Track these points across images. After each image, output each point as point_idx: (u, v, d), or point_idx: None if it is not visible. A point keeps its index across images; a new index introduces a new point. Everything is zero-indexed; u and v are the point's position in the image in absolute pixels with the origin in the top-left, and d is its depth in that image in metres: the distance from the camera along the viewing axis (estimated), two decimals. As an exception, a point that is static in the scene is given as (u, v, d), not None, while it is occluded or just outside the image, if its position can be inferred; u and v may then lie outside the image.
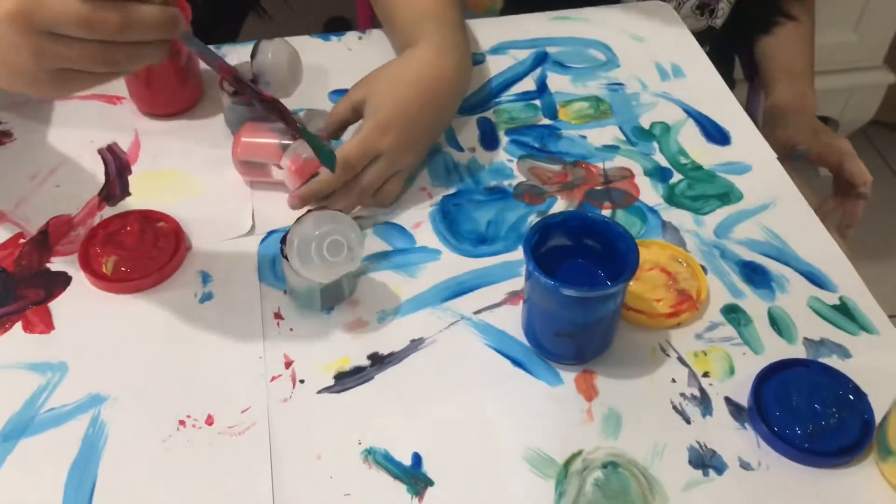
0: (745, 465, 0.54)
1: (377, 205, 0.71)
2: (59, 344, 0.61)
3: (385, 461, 0.54)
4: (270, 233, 0.69)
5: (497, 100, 0.83)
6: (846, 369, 0.58)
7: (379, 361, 0.60)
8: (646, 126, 0.80)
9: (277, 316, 0.63)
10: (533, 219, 0.71)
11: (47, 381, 0.58)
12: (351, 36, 0.90)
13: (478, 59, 0.87)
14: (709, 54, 0.89)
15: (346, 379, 0.59)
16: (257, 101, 0.61)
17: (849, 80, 1.73)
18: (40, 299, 0.64)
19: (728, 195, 0.73)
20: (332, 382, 0.59)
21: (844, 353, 0.61)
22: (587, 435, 0.56)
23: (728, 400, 0.58)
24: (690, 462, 0.54)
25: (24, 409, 0.57)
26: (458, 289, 0.65)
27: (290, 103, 0.79)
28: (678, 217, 0.71)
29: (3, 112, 0.80)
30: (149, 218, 0.68)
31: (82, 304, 0.63)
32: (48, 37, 0.47)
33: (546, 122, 0.80)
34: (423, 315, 0.63)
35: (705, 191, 0.73)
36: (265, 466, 0.54)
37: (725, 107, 0.83)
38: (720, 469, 0.54)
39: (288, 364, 0.60)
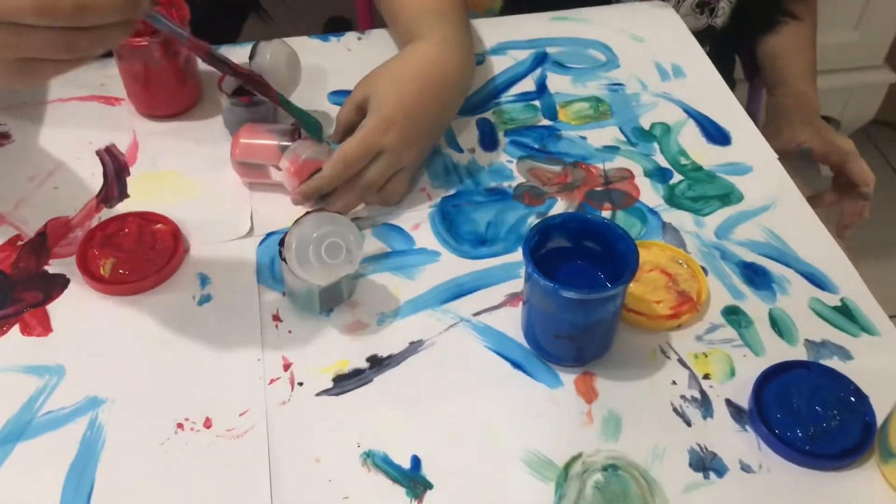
0: (745, 468, 0.54)
1: (383, 203, 0.71)
2: (57, 346, 0.61)
3: (384, 464, 0.54)
4: (269, 234, 0.69)
5: (496, 100, 0.83)
6: (847, 371, 0.58)
7: (378, 364, 0.60)
8: (646, 126, 0.80)
9: (276, 318, 0.63)
10: (532, 220, 0.70)
11: (45, 383, 0.58)
12: (350, 36, 0.90)
13: (477, 60, 0.86)
14: (709, 54, 0.89)
15: (345, 381, 0.59)
16: (234, 76, 0.60)
17: (850, 79, 1.73)
18: (38, 302, 0.63)
19: (728, 196, 0.73)
20: (330, 385, 0.59)
21: (846, 354, 0.60)
22: (587, 437, 0.55)
23: (729, 402, 0.58)
24: (691, 464, 0.54)
25: (21, 412, 0.57)
26: (458, 290, 0.65)
27: (288, 104, 0.79)
28: (678, 218, 0.71)
29: (1, 114, 0.80)
30: (147, 220, 0.68)
31: (80, 306, 0.63)
32: (5, 27, 0.46)
33: (546, 122, 0.80)
34: (423, 317, 0.63)
35: (706, 191, 0.73)
36: (263, 469, 0.54)
37: (726, 107, 0.82)
38: (721, 471, 0.54)
39: (286, 366, 0.60)
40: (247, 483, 0.53)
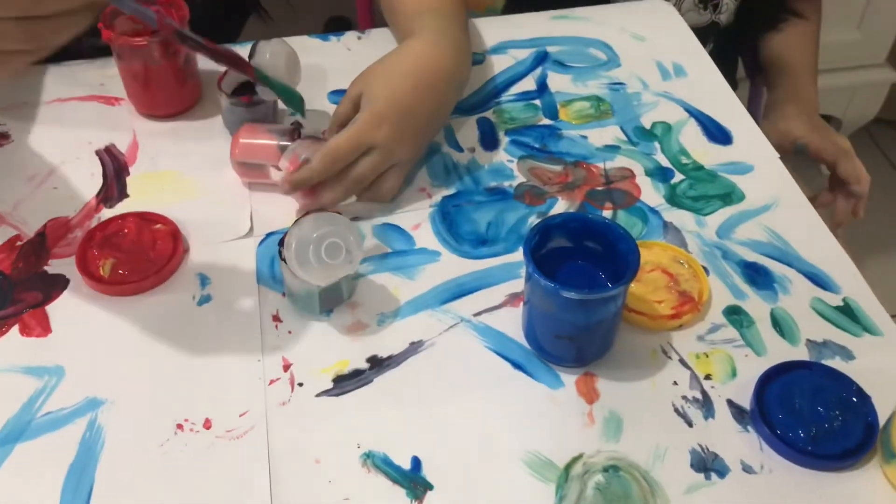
0: (747, 469, 0.54)
1: (376, 200, 0.71)
2: (57, 347, 0.60)
3: (384, 465, 0.54)
4: (269, 235, 0.69)
5: (497, 100, 0.82)
6: (849, 371, 0.57)
7: (378, 364, 0.60)
8: (647, 126, 0.79)
9: (276, 318, 0.62)
10: (533, 220, 0.70)
11: (44, 384, 0.58)
12: (350, 36, 0.89)
13: (477, 59, 0.86)
14: (713, 51, 0.88)
15: (345, 382, 0.59)
16: (204, 53, 0.59)
17: (852, 78, 1.73)
18: (37, 302, 0.63)
19: (730, 195, 0.72)
20: (330, 385, 0.58)
21: (848, 354, 0.60)
22: (588, 438, 0.55)
23: (730, 402, 0.57)
24: (692, 465, 0.54)
25: (20, 412, 0.57)
26: (458, 291, 0.64)
27: (288, 104, 0.79)
28: (680, 218, 0.70)
29: (0, 113, 0.79)
30: (147, 220, 0.68)
31: (80, 307, 0.63)
32: None
33: (546, 122, 0.80)
34: (423, 317, 0.63)
35: (707, 191, 0.73)
36: (263, 470, 0.54)
37: (727, 106, 0.82)
38: (722, 472, 0.54)
39: (286, 367, 0.59)
40: (247, 484, 0.53)
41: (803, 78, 1.01)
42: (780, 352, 0.60)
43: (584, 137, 0.78)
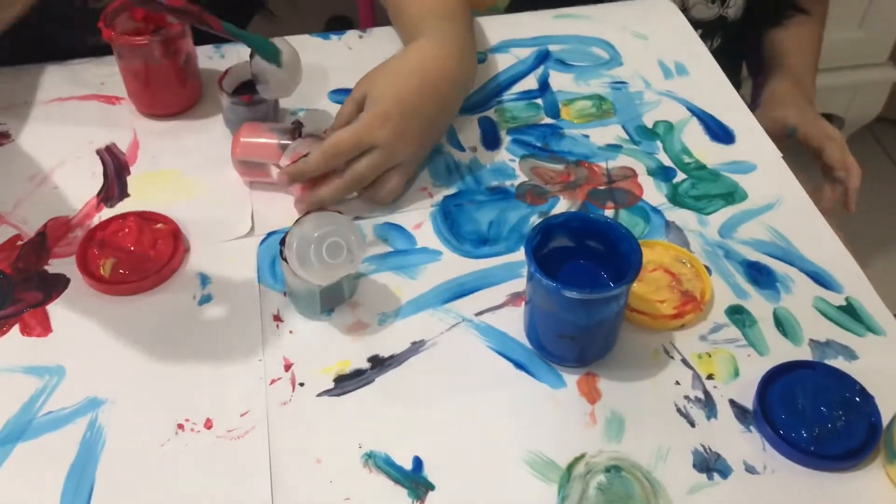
0: (750, 469, 0.54)
1: (377, 201, 0.70)
2: (57, 347, 0.60)
3: (385, 465, 0.54)
4: (270, 234, 0.68)
5: (499, 99, 0.82)
6: (852, 371, 0.57)
7: (379, 364, 0.59)
8: (649, 125, 0.79)
9: (277, 318, 0.62)
10: (535, 219, 0.70)
11: (45, 384, 0.58)
12: (351, 35, 0.89)
13: (479, 58, 0.86)
14: (720, 47, 0.88)
15: (346, 382, 0.58)
16: (168, 13, 0.57)
17: (854, 76, 1.73)
18: (38, 302, 0.63)
19: (732, 195, 0.72)
20: (332, 385, 0.58)
21: (851, 354, 0.60)
22: (590, 438, 0.55)
23: (733, 402, 0.57)
24: (695, 466, 0.54)
25: (21, 412, 0.56)
26: (460, 290, 0.64)
27: (289, 103, 0.79)
28: (682, 217, 0.70)
29: (1, 112, 0.79)
30: (147, 219, 0.68)
31: (80, 306, 0.63)
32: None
33: (548, 121, 0.80)
34: (424, 317, 0.62)
35: (709, 190, 0.73)
36: (264, 471, 0.53)
37: (730, 105, 0.82)
38: (725, 473, 0.53)
39: (287, 367, 0.59)
40: (247, 484, 0.53)
41: (800, 70, 1.02)
42: (783, 351, 0.60)
43: (586, 136, 0.78)
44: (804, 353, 0.60)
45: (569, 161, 0.75)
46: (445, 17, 0.76)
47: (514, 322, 0.62)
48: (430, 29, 0.75)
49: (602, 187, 0.73)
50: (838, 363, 0.59)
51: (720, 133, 0.79)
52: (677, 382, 0.58)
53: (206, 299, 0.63)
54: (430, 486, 0.53)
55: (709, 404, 0.57)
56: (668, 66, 0.86)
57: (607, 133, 0.78)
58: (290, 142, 0.69)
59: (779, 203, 0.71)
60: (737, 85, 0.85)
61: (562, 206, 0.71)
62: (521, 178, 0.74)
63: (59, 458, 0.54)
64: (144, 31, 0.75)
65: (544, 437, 0.55)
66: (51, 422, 0.56)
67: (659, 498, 0.52)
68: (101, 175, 0.73)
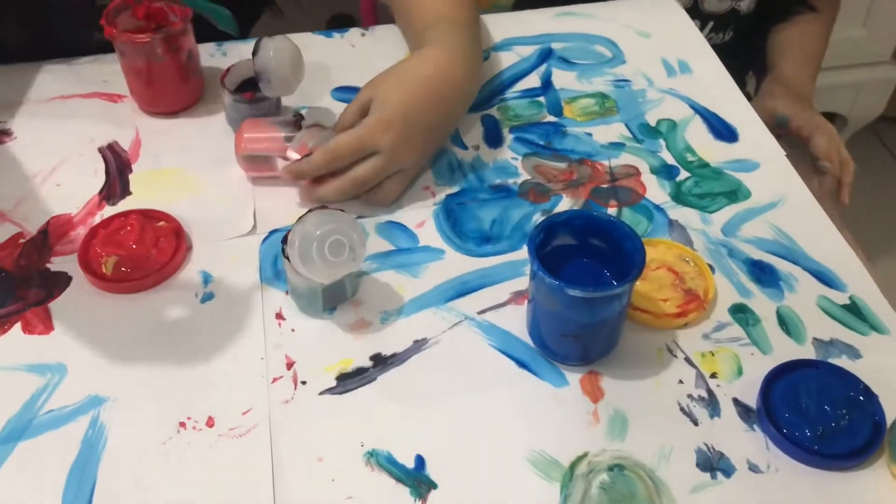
0: (753, 468, 0.53)
1: (375, 204, 0.70)
2: (59, 345, 0.60)
3: (388, 463, 0.54)
4: (272, 232, 0.68)
5: (501, 97, 0.82)
6: (856, 370, 0.57)
7: (381, 362, 0.59)
8: (652, 123, 0.79)
9: (279, 316, 0.62)
10: (538, 217, 0.70)
11: (46, 382, 0.58)
12: (354, 33, 0.89)
13: (482, 56, 0.86)
14: (731, 41, 0.88)
15: (349, 380, 0.58)
16: None
17: (857, 75, 1.72)
18: (40, 300, 0.63)
19: (736, 193, 0.72)
20: (334, 384, 0.58)
21: (854, 353, 0.60)
22: (593, 437, 0.55)
23: (736, 401, 0.57)
24: (698, 465, 0.54)
25: (22, 410, 0.56)
26: (462, 289, 0.64)
27: (292, 100, 0.79)
28: (685, 215, 0.70)
29: (2, 111, 0.79)
30: (149, 217, 0.68)
31: (82, 304, 0.63)
32: None
33: (551, 119, 0.80)
34: (427, 315, 0.62)
35: (712, 188, 0.72)
36: (266, 469, 0.53)
37: (733, 103, 0.82)
38: (728, 472, 0.53)
39: (289, 365, 0.59)
40: (249, 483, 0.53)
41: (800, 63, 1.02)
42: (787, 350, 0.60)
43: (589, 135, 0.78)
44: (808, 352, 0.60)
45: (572, 159, 0.75)
46: (455, 25, 0.76)
47: (516, 320, 0.61)
48: (440, 36, 0.74)
49: (605, 185, 0.73)
50: (842, 362, 0.59)
51: (723, 131, 0.78)
52: (680, 381, 0.58)
53: (207, 297, 0.63)
54: (433, 485, 0.53)
55: (712, 403, 0.57)
56: (671, 63, 0.86)
57: (610, 131, 0.78)
58: (293, 133, 0.69)
59: (782, 201, 0.71)
60: (741, 86, 0.85)
61: (565, 204, 0.71)
62: (524, 176, 0.74)
63: (60, 456, 0.54)
64: (146, 29, 0.75)
65: (547, 436, 0.55)
66: (52, 420, 0.56)
67: (662, 497, 0.52)
68: (103, 173, 0.73)
